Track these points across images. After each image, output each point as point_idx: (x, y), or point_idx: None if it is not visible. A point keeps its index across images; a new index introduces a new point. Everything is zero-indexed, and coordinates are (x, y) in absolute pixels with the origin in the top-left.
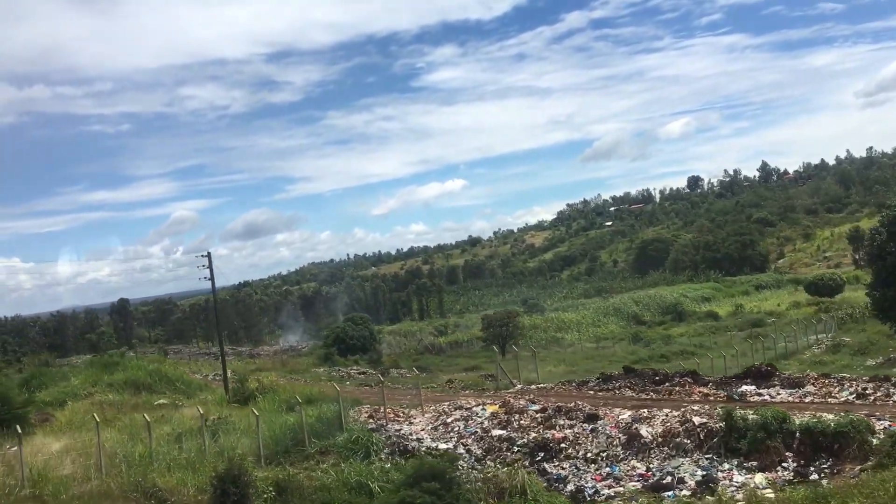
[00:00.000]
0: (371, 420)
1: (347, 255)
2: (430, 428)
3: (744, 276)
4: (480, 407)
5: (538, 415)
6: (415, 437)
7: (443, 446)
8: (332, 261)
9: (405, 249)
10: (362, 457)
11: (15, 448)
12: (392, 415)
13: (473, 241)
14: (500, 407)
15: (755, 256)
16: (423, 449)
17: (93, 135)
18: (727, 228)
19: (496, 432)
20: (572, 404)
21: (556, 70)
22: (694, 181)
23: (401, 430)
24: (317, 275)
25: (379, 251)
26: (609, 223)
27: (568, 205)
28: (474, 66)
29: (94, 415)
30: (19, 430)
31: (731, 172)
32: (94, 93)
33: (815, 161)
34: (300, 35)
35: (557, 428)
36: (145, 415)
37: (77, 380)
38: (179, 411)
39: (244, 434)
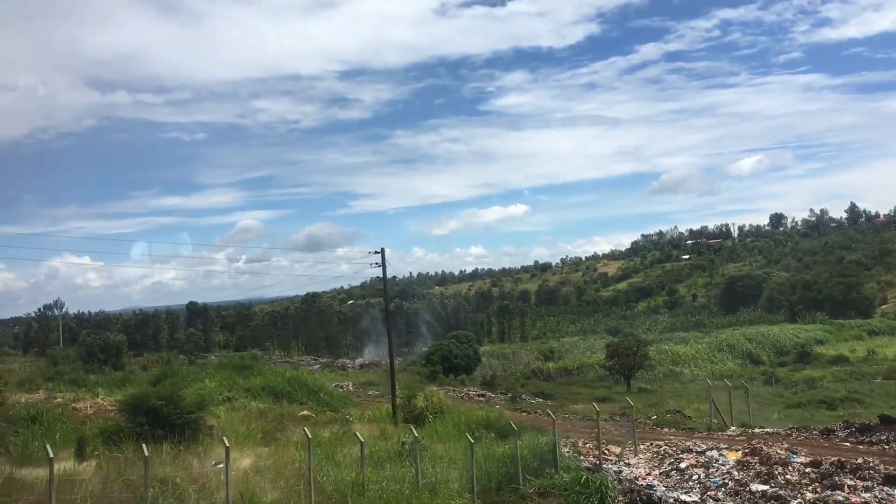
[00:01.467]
0: (580, 457)
1: (410, 273)
2: (658, 473)
3: (852, 321)
4: (716, 452)
5: (808, 469)
6: (644, 482)
7: (688, 499)
8: (394, 278)
9: (468, 271)
10: None
11: (221, 464)
12: (596, 452)
13: (543, 267)
14: (744, 454)
15: (860, 300)
16: (672, 501)
17: (168, 142)
18: (829, 269)
19: (756, 487)
20: (860, 460)
21: (627, 101)
22: (776, 218)
23: (622, 471)
24: (381, 291)
25: (442, 271)
26: (686, 256)
27: (643, 235)
28: (544, 92)
29: (305, 429)
30: (226, 443)
31: (818, 212)
32: (173, 101)
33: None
34: (374, 54)
35: (846, 489)
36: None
37: (212, 382)
38: (349, 427)
39: (451, 463)
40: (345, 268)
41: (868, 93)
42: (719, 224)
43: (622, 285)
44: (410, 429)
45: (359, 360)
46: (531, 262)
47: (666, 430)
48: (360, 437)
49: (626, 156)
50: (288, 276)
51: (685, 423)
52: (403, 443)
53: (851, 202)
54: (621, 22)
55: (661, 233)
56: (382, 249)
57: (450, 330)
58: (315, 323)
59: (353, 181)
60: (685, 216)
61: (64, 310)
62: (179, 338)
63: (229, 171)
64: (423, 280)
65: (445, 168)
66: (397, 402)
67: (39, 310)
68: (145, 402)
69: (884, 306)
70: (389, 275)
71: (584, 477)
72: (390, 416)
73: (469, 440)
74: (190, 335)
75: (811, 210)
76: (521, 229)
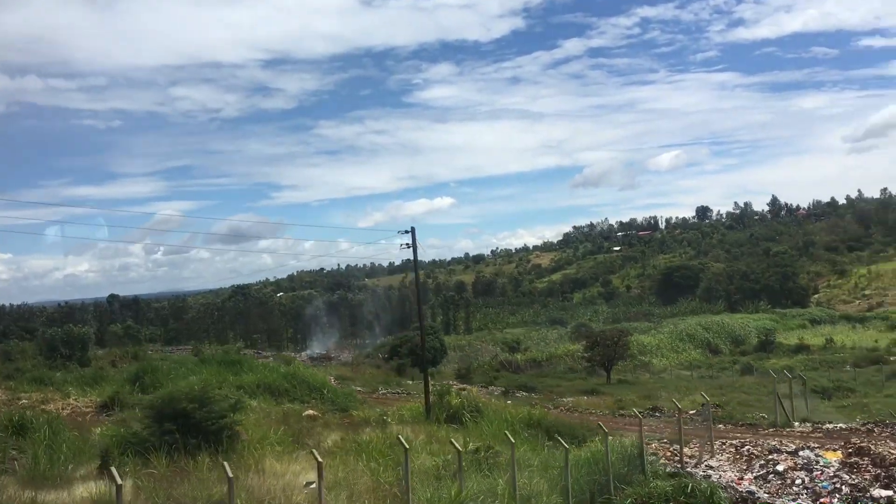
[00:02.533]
0: (658, 460)
1: (338, 265)
2: (752, 477)
3: (792, 310)
4: (809, 452)
5: None
6: (741, 488)
7: None
8: (322, 270)
9: (397, 263)
10: None
11: (314, 484)
12: (665, 453)
13: (477, 259)
14: (847, 454)
15: (797, 289)
16: None
17: (82, 129)
18: (766, 260)
19: (879, 493)
20: None
21: (550, 95)
22: (702, 211)
23: (709, 475)
24: (312, 283)
25: (371, 263)
26: (617, 248)
27: (574, 227)
28: (469, 85)
29: (400, 437)
30: (318, 459)
31: (742, 205)
32: (87, 87)
33: (785, 201)
34: (298, 44)
35: None
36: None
37: (199, 379)
38: (385, 431)
39: (528, 469)
40: (353, 249)
41: (778, 91)
42: (647, 216)
43: (556, 276)
44: (459, 432)
45: (306, 353)
46: (456, 255)
47: (721, 426)
48: (456, 445)
49: (549, 149)
50: (302, 259)
51: (737, 418)
52: (478, 449)
53: (773, 196)
54: (545, 17)
55: (591, 225)
56: (413, 229)
57: (395, 322)
58: (256, 315)
59: (276, 172)
60: (606, 209)
61: None
62: (116, 332)
63: (147, 161)
64: (352, 272)
65: (371, 160)
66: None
67: None
68: (174, 405)
69: (816, 295)
70: (309, 267)
71: (689, 485)
72: (422, 415)
73: (564, 445)
74: (127, 328)
75: (735, 203)
76: (445, 222)
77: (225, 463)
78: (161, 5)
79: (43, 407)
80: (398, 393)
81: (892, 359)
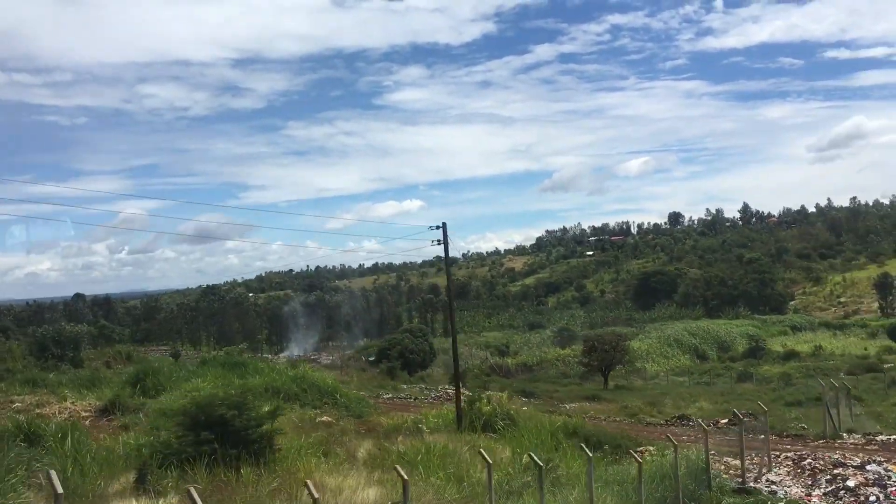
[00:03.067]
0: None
1: (307, 266)
2: (821, 493)
3: (773, 316)
4: (877, 466)
5: None
6: None
7: None
8: (291, 271)
9: (367, 265)
10: None
11: None
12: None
13: (450, 261)
14: None
15: (774, 296)
16: None
17: (46, 125)
18: (743, 266)
19: None
20: None
21: (521, 100)
22: (674, 217)
23: (774, 491)
24: (282, 283)
25: (342, 265)
26: (590, 253)
27: (547, 231)
28: (440, 88)
29: (483, 452)
30: (403, 475)
31: (714, 211)
32: (52, 82)
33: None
34: (268, 43)
35: None
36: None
37: (204, 382)
38: (421, 440)
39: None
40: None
41: (745, 100)
42: (619, 221)
43: (529, 280)
44: (498, 442)
45: (283, 355)
46: (424, 258)
47: (762, 437)
48: (535, 458)
49: (518, 154)
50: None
51: (779, 428)
52: (540, 466)
53: (745, 203)
54: (517, 22)
55: (564, 229)
56: (444, 224)
57: (374, 324)
58: (232, 315)
59: (244, 172)
60: (574, 214)
61: None
62: (90, 331)
63: (112, 158)
64: (322, 273)
65: (340, 161)
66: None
67: None
68: (211, 412)
69: (792, 302)
70: (276, 268)
71: (765, 502)
72: (451, 423)
73: (636, 459)
74: (102, 328)
75: (707, 210)
76: (413, 224)
77: (309, 482)
78: (129, 1)
79: (38, 411)
80: (404, 398)
81: (886, 366)
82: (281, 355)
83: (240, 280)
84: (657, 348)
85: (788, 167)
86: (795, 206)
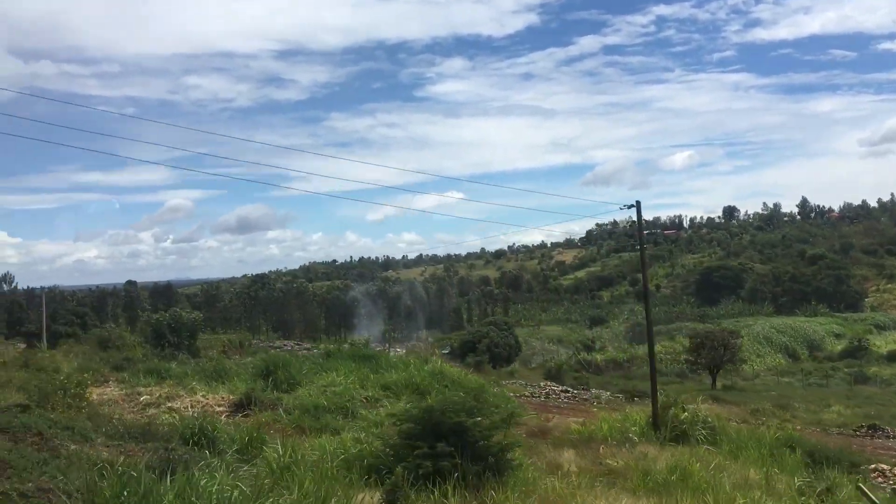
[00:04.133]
0: None
1: (351, 257)
2: None
3: (854, 314)
4: None
5: None
6: None
7: None
8: (334, 261)
9: (411, 257)
10: None
11: None
12: None
13: (497, 254)
14: None
15: (850, 293)
16: None
17: (94, 115)
18: (820, 262)
19: None
20: None
21: (563, 92)
22: (729, 211)
23: None
24: (328, 273)
25: (386, 256)
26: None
27: (597, 224)
28: (482, 80)
29: (861, 488)
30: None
31: (771, 206)
32: (100, 73)
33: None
34: (311, 35)
35: None
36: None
37: (340, 377)
38: (634, 451)
39: None
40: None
41: (793, 94)
42: (671, 215)
43: (581, 274)
44: (718, 456)
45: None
46: (465, 251)
47: None
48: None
49: (560, 147)
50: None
51: None
52: (829, 487)
53: (803, 197)
54: (560, 13)
55: (615, 222)
56: (638, 203)
57: (434, 315)
58: (294, 304)
59: (286, 163)
60: (614, 208)
61: (14, 284)
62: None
63: (158, 149)
64: (366, 264)
65: (381, 153)
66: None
67: None
68: (447, 418)
69: (867, 299)
70: (317, 258)
71: None
72: (644, 431)
73: None
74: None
75: (764, 204)
76: (454, 216)
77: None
78: None
79: (169, 405)
80: (528, 396)
81: None
82: (344, 346)
83: (284, 269)
84: (748, 346)
85: (838, 162)
86: (863, 201)
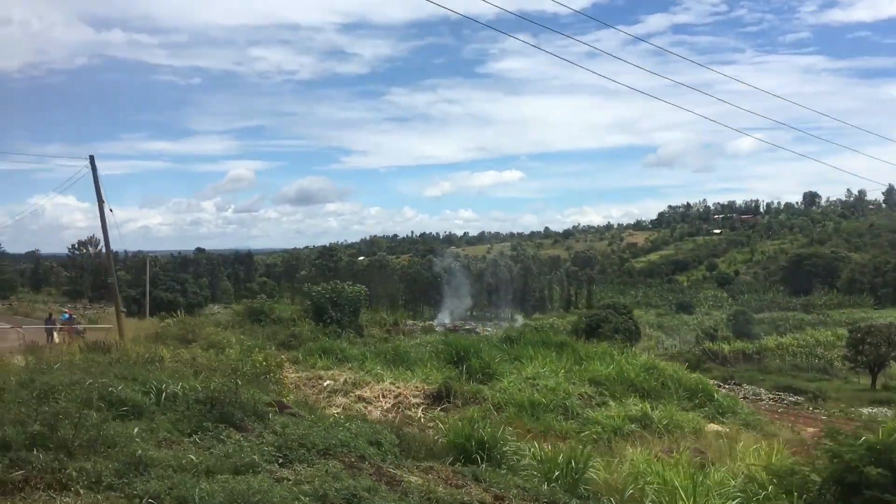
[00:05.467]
0: None
1: (412, 232)
2: None
3: None
4: None
5: None
6: None
7: None
8: (395, 236)
9: (462, 234)
10: None
11: None
12: None
13: (566, 234)
14: None
15: None
16: None
17: (161, 85)
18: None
19: None
20: None
21: (628, 72)
22: (810, 197)
23: None
24: (392, 248)
25: (449, 232)
26: (717, 231)
27: (669, 206)
28: (545, 58)
29: None
30: None
31: (856, 192)
32: (168, 43)
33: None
34: (375, 8)
35: None
36: None
37: (541, 367)
38: None
39: None
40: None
41: (867, 77)
42: (747, 199)
43: (654, 256)
44: None
45: (435, 323)
46: (519, 230)
47: None
48: None
49: (622, 127)
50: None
51: None
52: None
53: (890, 184)
54: None
55: (688, 205)
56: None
57: (517, 294)
58: (377, 279)
59: (346, 136)
60: (675, 191)
61: (99, 247)
62: (252, 287)
63: (222, 119)
64: (427, 240)
65: (440, 129)
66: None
67: (72, 246)
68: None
69: None
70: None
71: None
72: None
73: None
74: (263, 284)
75: (847, 190)
76: (511, 195)
77: None
78: None
79: (357, 393)
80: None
81: None
82: (433, 323)
83: (344, 242)
84: None
85: None
86: None
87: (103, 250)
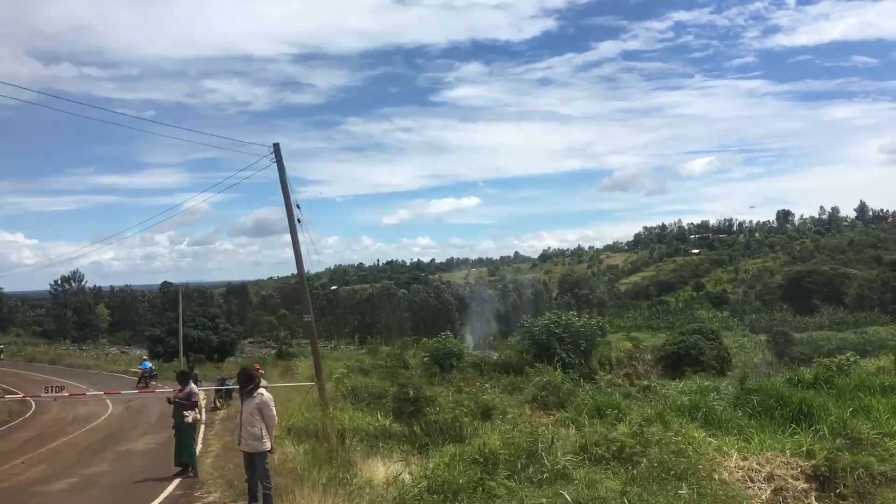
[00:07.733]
0: None
1: (378, 260)
2: None
3: None
4: None
5: None
6: None
7: None
8: (361, 265)
9: (429, 261)
10: None
11: None
12: None
13: (544, 257)
14: None
15: None
16: None
17: (112, 119)
18: None
19: None
20: None
21: (580, 98)
22: (783, 215)
23: None
24: (365, 276)
25: (419, 260)
26: (696, 251)
27: (645, 228)
28: (499, 85)
29: None
30: None
31: (830, 210)
32: (119, 76)
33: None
34: (329, 39)
35: None
36: None
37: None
38: None
39: None
40: None
41: (810, 100)
42: (721, 219)
43: (635, 278)
44: None
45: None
46: (476, 256)
47: None
48: None
49: (576, 152)
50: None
51: None
52: None
53: (861, 201)
54: (578, 19)
55: (663, 226)
56: None
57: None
58: (382, 309)
59: (302, 166)
60: (629, 214)
61: (83, 282)
62: (252, 317)
63: (175, 151)
64: (396, 267)
65: (397, 157)
66: None
67: (55, 283)
68: None
69: None
70: (332, 263)
71: None
72: None
73: None
74: (283, 317)
75: (821, 208)
76: (469, 222)
77: None
78: None
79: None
80: None
81: None
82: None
83: (308, 272)
84: None
85: (858, 168)
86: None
87: (85, 286)
